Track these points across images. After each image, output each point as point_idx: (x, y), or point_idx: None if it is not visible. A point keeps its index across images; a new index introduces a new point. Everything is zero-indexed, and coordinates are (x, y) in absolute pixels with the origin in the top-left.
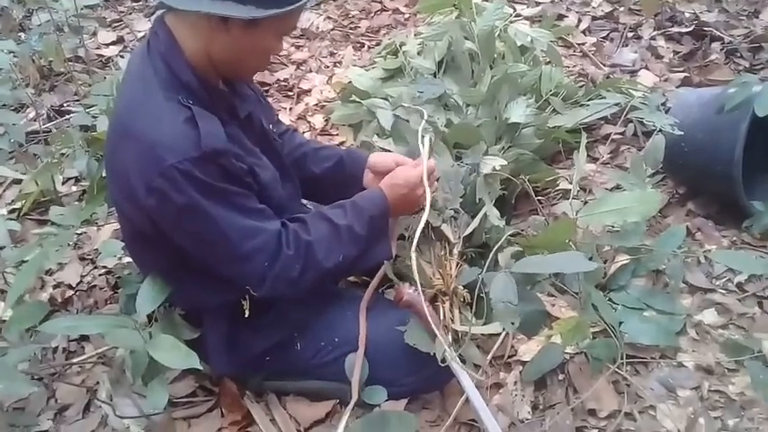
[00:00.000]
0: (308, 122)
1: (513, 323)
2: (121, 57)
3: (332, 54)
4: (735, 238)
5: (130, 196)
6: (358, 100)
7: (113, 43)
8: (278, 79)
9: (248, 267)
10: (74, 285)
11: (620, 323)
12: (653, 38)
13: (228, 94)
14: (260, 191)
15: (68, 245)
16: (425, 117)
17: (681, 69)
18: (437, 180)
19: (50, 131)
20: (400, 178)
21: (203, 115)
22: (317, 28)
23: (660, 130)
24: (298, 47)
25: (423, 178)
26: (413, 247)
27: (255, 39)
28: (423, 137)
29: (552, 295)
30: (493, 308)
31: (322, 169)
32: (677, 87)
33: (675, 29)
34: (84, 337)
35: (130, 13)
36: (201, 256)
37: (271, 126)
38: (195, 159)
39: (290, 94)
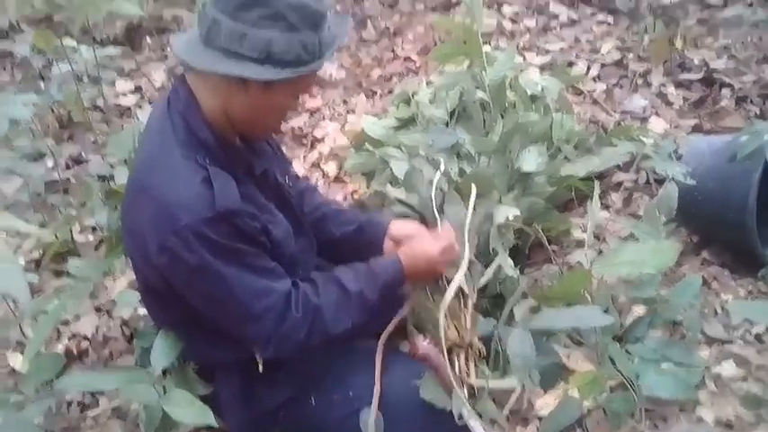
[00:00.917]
0: (322, 170)
1: (530, 378)
2: (139, 107)
3: (345, 102)
4: (751, 287)
5: (143, 253)
6: (371, 148)
7: (131, 92)
8: (292, 127)
9: (256, 328)
10: (89, 336)
11: (638, 376)
12: (663, 85)
13: (245, 151)
14: (273, 248)
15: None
16: (442, 168)
17: (691, 116)
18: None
19: (69, 180)
20: (420, 251)
21: (219, 175)
22: (331, 76)
23: (672, 179)
24: (311, 95)
25: (444, 251)
26: (441, 311)
27: (273, 98)
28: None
29: (568, 347)
30: (510, 362)
31: (342, 233)
32: (688, 134)
33: (685, 75)
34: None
35: (148, 63)
36: (212, 315)
37: (287, 179)
38: (209, 220)
39: (304, 141)
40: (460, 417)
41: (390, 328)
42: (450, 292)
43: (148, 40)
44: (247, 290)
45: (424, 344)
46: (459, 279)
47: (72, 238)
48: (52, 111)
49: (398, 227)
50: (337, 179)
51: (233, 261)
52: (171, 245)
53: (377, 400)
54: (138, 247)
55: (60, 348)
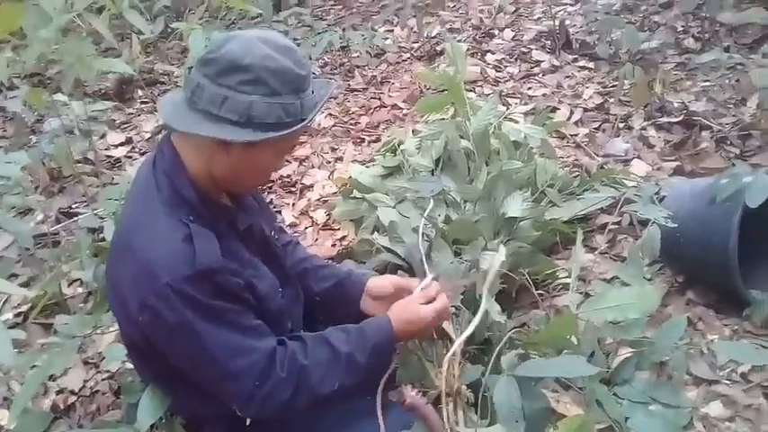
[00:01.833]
0: (311, 217)
1: (518, 426)
2: (129, 157)
3: (333, 150)
4: (736, 327)
5: (125, 310)
6: (359, 196)
7: (122, 144)
8: (281, 175)
9: (236, 387)
10: (77, 391)
11: (626, 419)
12: (644, 128)
13: (229, 208)
14: (258, 303)
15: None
16: (429, 209)
17: (672, 158)
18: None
19: (58, 234)
20: (414, 317)
21: (200, 233)
22: (319, 124)
23: (654, 222)
24: (300, 143)
25: (435, 315)
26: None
27: (255, 159)
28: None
29: (556, 391)
30: (497, 412)
31: (320, 288)
32: (670, 176)
33: (665, 119)
34: None
35: (139, 115)
36: (193, 373)
37: (272, 233)
38: (189, 278)
39: (293, 189)
40: None
41: (385, 378)
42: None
43: (139, 92)
44: (228, 348)
45: (411, 393)
46: (459, 342)
47: (60, 291)
48: (43, 164)
49: (376, 284)
50: (326, 226)
51: (214, 319)
52: (151, 303)
53: None
54: (120, 304)
55: (47, 403)
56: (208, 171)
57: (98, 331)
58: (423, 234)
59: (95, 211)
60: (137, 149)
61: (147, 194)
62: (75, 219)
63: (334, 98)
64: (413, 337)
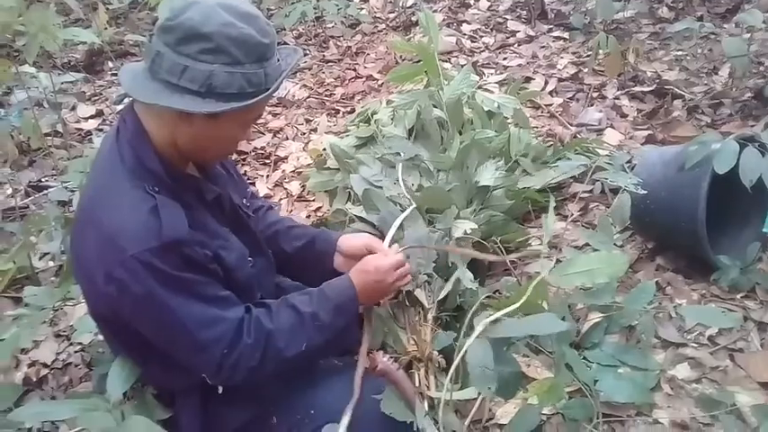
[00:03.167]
0: (285, 189)
1: (490, 388)
2: (100, 130)
3: (308, 121)
4: (704, 292)
5: (91, 282)
6: (333, 167)
7: (92, 117)
8: (255, 147)
9: (205, 357)
10: (49, 363)
11: (596, 381)
12: (617, 97)
13: (196, 178)
14: (226, 274)
15: (44, 322)
16: (400, 171)
17: (645, 127)
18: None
19: (28, 207)
20: (370, 266)
21: (166, 204)
22: (294, 96)
23: (625, 190)
24: (275, 115)
25: (394, 267)
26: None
27: (219, 129)
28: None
29: (527, 356)
30: (470, 373)
31: (293, 248)
32: (642, 145)
33: (638, 88)
34: None
35: (110, 87)
36: (160, 344)
37: (244, 201)
38: (155, 249)
39: (267, 161)
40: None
41: (366, 344)
42: None
43: (110, 64)
44: (195, 319)
45: (383, 359)
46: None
47: (31, 264)
48: (12, 137)
49: (347, 241)
50: (300, 198)
51: (181, 291)
52: (118, 275)
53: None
54: (86, 276)
55: (20, 376)
56: (172, 141)
57: (69, 303)
58: (396, 203)
59: (65, 184)
60: (108, 122)
61: (112, 165)
62: (46, 192)
63: (309, 69)
64: (376, 293)
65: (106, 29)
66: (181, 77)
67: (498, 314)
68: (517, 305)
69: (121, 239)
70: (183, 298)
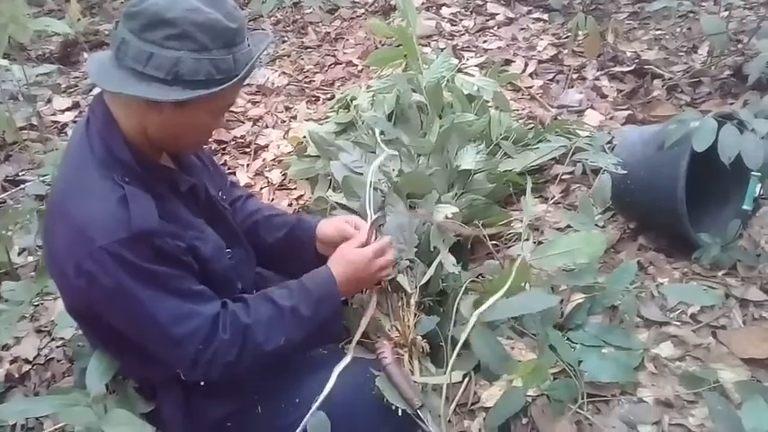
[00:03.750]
0: (266, 178)
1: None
2: (75, 122)
3: (288, 109)
4: (686, 270)
5: (62, 275)
6: (313, 154)
7: (68, 109)
8: (234, 136)
9: (179, 352)
10: (31, 359)
11: (580, 362)
12: (597, 78)
13: (168, 168)
14: (201, 267)
15: (24, 317)
16: (380, 161)
17: (625, 107)
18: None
19: (5, 203)
20: (349, 256)
21: (136, 194)
22: (273, 84)
23: (605, 170)
24: (254, 103)
25: (376, 255)
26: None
27: (188, 117)
28: (372, 213)
29: (511, 338)
30: (482, 361)
31: (273, 239)
32: (622, 125)
33: (618, 68)
34: None
35: (85, 78)
36: (133, 337)
37: (220, 193)
38: (125, 241)
39: (248, 150)
40: (417, 414)
41: (358, 335)
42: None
43: (85, 55)
44: (167, 314)
45: (385, 351)
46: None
47: (9, 259)
48: None
49: (324, 228)
50: (282, 186)
51: (151, 283)
52: (87, 267)
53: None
54: (58, 270)
55: (2, 373)
56: (141, 130)
57: (49, 298)
58: (376, 189)
59: (42, 178)
60: (84, 114)
61: (81, 156)
62: (23, 186)
63: (288, 56)
64: (359, 283)
65: (80, 19)
66: (146, 65)
67: (490, 301)
68: (503, 290)
69: (90, 231)
70: (154, 291)
